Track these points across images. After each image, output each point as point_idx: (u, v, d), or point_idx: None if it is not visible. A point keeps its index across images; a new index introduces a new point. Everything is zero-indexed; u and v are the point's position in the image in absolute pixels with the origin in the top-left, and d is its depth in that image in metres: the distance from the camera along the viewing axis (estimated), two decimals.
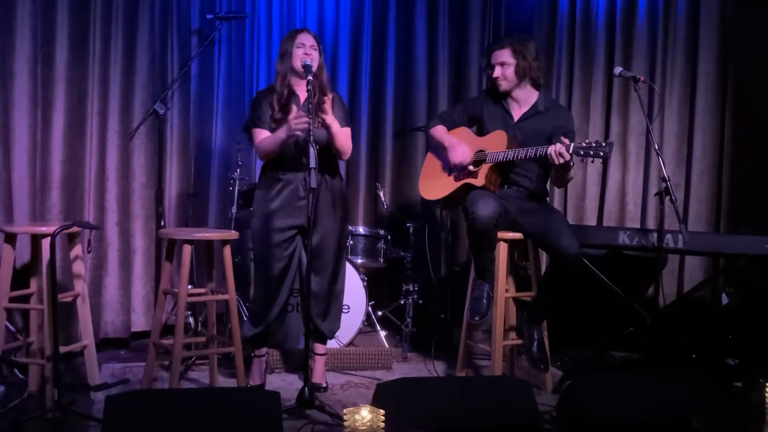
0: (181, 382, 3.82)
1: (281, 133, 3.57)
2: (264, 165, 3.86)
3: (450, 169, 3.99)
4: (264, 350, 3.90)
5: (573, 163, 3.61)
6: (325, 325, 3.88)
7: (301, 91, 3.75)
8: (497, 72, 3.87)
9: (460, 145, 3.91)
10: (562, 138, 3.54)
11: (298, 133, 3.48)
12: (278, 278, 3.76)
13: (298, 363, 4.12)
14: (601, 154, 3.47)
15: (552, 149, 3.53)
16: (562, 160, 3.51)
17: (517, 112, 3.93)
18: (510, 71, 3.85)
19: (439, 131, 4.06)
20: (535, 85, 3.93)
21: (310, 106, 3.46)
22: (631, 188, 5.05)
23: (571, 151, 3.49)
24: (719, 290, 4.76)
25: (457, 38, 5.41)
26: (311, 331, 3.67)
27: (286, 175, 3.75)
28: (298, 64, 3.67)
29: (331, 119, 3.63)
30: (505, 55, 3.84)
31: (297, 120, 3.45)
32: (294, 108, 3.50)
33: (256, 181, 4.70)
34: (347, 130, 3.80)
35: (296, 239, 3.79)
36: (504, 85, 3.89)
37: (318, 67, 3.68)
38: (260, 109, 3.75)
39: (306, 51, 3.67)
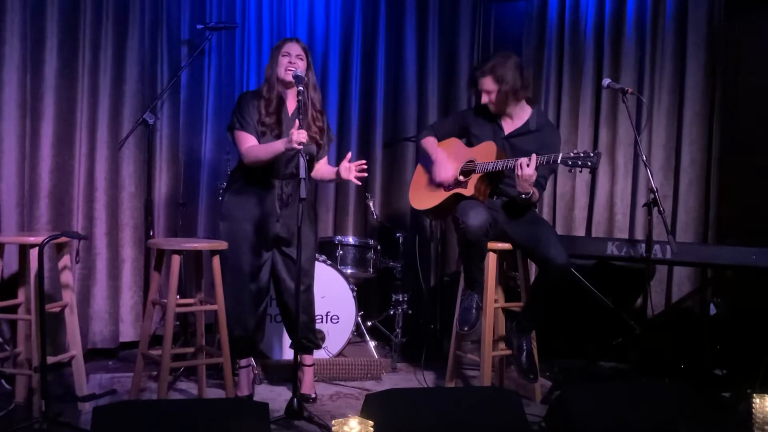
0: (170, 393, 3.80)
1: (279, 145, 3.54)
2: (237, 169, 3.85)
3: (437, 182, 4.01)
4: (245, 361, 3.89)
5: (535, 192, 3.68)
6: (310, 334, 3.88)
7: (289, 100, 3.76)
8: (484, 98, 3.88)
9: (446, 162, 3.93)
10: (534, 155, 3.58)
11: (298, 146, 3.42)
12: (252, 287, 3.76)
13: (282, 374, 4.12)
14: (589, 164, 3.49)
15: (521, 160, 3.59)
16: (526, 171, 3.56)
17: (508, 127, 3.94)
18: (493, 96, 3.85)
19: (429, 143, 4.08)
20: (529, 101, 3.95)
21: (300, 117, 3.47)
22: (620, 199, 5.06)
23: (536, 164, 3.55)
24: (707, 301, 4.77)
25: (447, 49, 5.44)
26: (299, 344, 3.66)
27: (265, 183, 3.74)
28: (282, 72, 3.69)
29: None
30: (488, 83, 3.84)
31: (299, 135, 3.41)
32: (297, 122, 3.49)
33: None
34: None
35: (272, 248, 3.79)
36: (494, 109, 3.90)
37: (306, 77, 3.69)
38: (246, 112, 3.71)
39: (291, 60, 3.68)
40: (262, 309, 3.85)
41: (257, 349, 4.01)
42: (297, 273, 3.47)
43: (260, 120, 3.71)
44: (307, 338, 3.87)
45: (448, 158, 3.96)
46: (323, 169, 3.92)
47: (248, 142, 3.69)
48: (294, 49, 3.71)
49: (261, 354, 4.21)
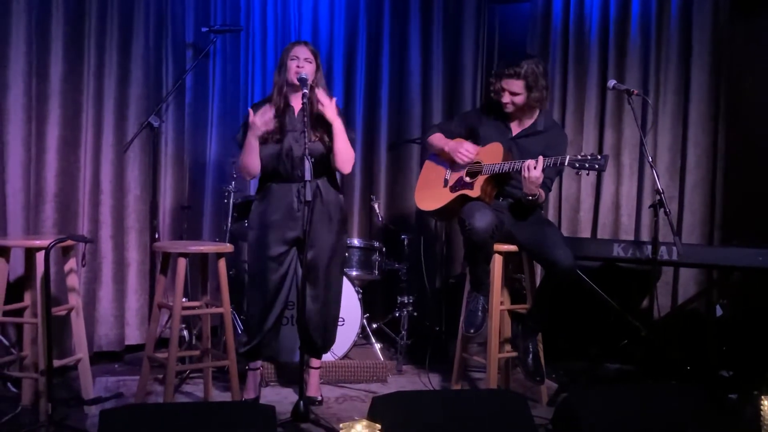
0: (176, 396, 3.80)
1: (250, 138, 3.61)
2: (261, 177, 3.87)
3: (446, 177, 4.00)
4: (258, 363, 3.89)
5: (541, 194, 3.69)
6: (320, 339, 3.86)
7: (296, 103, 3.76)
8: (506, 99, 3.80)
9: (462, 142, 3.92)
10: (541, 157, 3.58)
11: (261, 131, 3.58)
12: (274, 290, 3.74)
13: (293, 376, 4.11)
14: (597, 166, 3.48)
15: (527, 162, 3.59)
16: (533, 173, 3.56)
17: (516, 128, 3.93)
18: (519, 100, 3.80)
19: (437, 138, 4.07)
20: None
21: (306, 119, 3.47)
22: (625, 200, 5.06)
23: (543, 166, 3.56)
24: (713, 302, 4.76)
25: (451, 51, 5.44)
26: (306, 345, 3.66)
27: (281, 188, 3.75)
28: (291, 76, 3.69)
29: (333, 115, 3.64)
30: (518, 87, 3.76)
31: (261, 119, 3.55)
32: (251, 112, 3.60)
33: (251, 193, 4.71)
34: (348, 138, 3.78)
35: (293, 251, 3.79)
36: (510, 109, 3.87)
37: (314, 80, 3.70)
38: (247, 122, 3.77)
39: (299, 63, 3.68)
40: (279, 314, 3.82)
41: (272, 353, 3.99)
42: (303, 273, 3.48)
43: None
44: (318, 341, 3.85)
45: (461, 141, 3.96)
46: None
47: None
48: (302, 51, 3.71)
49: (271, 357, 4.19)
